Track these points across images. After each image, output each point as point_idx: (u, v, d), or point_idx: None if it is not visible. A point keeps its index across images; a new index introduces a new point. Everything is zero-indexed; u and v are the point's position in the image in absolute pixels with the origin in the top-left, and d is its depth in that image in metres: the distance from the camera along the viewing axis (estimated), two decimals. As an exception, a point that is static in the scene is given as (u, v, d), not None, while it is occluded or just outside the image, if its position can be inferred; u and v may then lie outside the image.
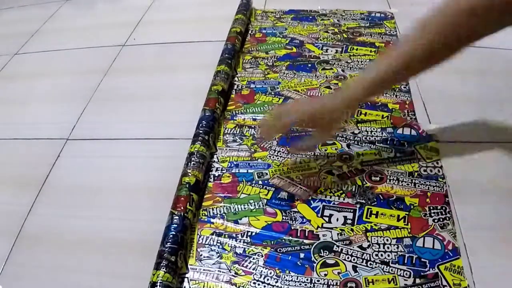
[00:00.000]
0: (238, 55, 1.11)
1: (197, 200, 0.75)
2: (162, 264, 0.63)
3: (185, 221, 0.69)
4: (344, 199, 0.75)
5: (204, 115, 0.88)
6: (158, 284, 0.61)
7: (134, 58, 1.18)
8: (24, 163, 0.91)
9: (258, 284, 0.65)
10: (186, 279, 0.66)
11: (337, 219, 0.72)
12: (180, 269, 0.66)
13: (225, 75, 0.99)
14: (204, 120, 0.87)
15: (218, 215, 0.75)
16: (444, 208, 0.72)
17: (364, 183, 0.78)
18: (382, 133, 0.87)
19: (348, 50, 1.10)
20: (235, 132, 0.90)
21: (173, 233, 0.67)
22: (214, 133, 0.86)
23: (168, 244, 0.66)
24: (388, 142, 0.85)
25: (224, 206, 0.76)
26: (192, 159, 0.79)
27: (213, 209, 0.76)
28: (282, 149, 0.85)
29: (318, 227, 0.71)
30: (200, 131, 0.85)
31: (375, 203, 0.74)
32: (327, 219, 0.72)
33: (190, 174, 0.76)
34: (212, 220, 0.74)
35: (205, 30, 1.25)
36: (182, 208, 0.71)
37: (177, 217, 0.69)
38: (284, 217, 0.73)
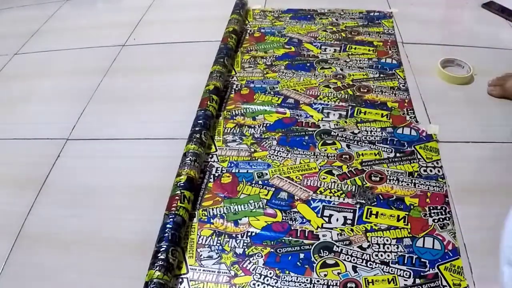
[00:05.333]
0: (235, 54, 1.11)
1: (191, 196, 0.74)
2: (153, 263, 0.64)
3: (176, 218, 0.69)
4: (344, 199, 0.75)
5: (197, 115, 0.89)
6: (149, 283, 0.61)
7: (134, 58, 1.18)
8: (24, 163, 0.91)
9: (258, 285, 0.65)
10: (186, 280, 0.66)
11: (337, 219, 0.72)
12: (172, 264, 0.65)
13: (218, 73, 0.99)
14: (196, 120, 0.88)
15: (218, 215, 0.75)
16: (444, 208, 0.72)
17: (364, 183, 0.78)
18: (382, 133, 0.87)
19: (347, 49, 1.10)
20: (234, 131, 0.90)
21: (164, 232, 0.67)
22: (206, 129, 0.86)
23: (158, 244, 0.66)
24: (388, 142, 0.85)
25: (224, 206, 0.76)
26: (185, 159, 0.79)
27: (213, 209, 0.76)
28: (282, 149, 0.85)
29: (318, 227, 0.71)
30: (193, 130, 0.85)
31: (375, 203, 0.74)
32: (327, 219, 0.72)
33: (182, 174, 0.76)
34: (212, 220, 0.74)
35: (204, 30, 1.25)
36: (173, 207, 0.71)
37: (168, 218, 0.69)
38: (284, 217, 0.73)
